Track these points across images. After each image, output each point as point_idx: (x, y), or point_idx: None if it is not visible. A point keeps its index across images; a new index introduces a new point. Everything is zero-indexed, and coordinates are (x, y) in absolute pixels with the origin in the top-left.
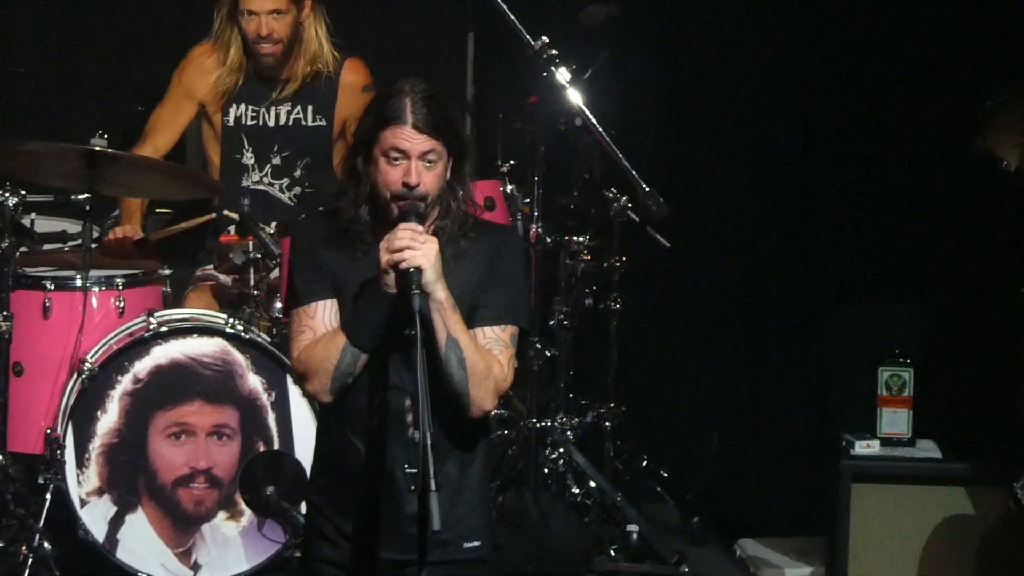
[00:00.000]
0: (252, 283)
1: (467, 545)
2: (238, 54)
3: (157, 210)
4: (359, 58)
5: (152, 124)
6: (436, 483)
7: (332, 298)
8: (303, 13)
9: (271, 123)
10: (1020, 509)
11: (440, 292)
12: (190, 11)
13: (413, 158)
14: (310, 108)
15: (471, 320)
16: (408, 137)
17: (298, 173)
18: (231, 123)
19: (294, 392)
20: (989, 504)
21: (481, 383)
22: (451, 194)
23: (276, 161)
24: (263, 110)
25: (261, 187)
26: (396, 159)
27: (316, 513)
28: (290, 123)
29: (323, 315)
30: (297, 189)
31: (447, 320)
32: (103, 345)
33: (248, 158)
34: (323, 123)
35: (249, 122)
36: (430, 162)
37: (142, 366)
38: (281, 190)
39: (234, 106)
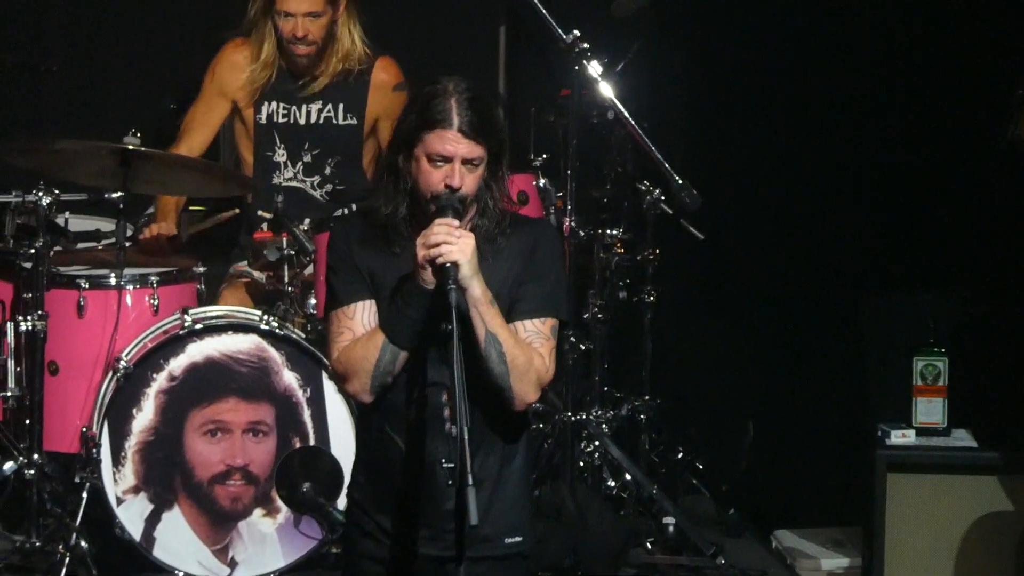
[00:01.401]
0: (286, 279)
1: (508, 540)
2: (271, 50)
3: (191, 207)
4: (390, 57)
5: (187, 123)
6: (475, 478)
7: (371, 299)
8: (338, 12)
9: (302, 121)
10: None
11: (477, 287)
12: (222, 7)
13: (457, 162)
14: (341, 106)
15: (510, 315)
16: (454, 142)
17: (328, 171)
18: (263, 120)
19: (329, 388)
20: None
21: (523, 376)
22: (488, 192)
23: (307, 159)
24: (294, 108)
25: (293, 184)
26: (439, 163)
27: (357, 509)
28: (321, 121)
29: (362, 315)
30: (328, 187)
31: (484, 315)
32: (138, 343)
33: (280, 155)
34: (354, 121)
35: (280, 119)
36: (473, 165)
37: (177, 364)
38: (313, 187)
39: (266, 103)
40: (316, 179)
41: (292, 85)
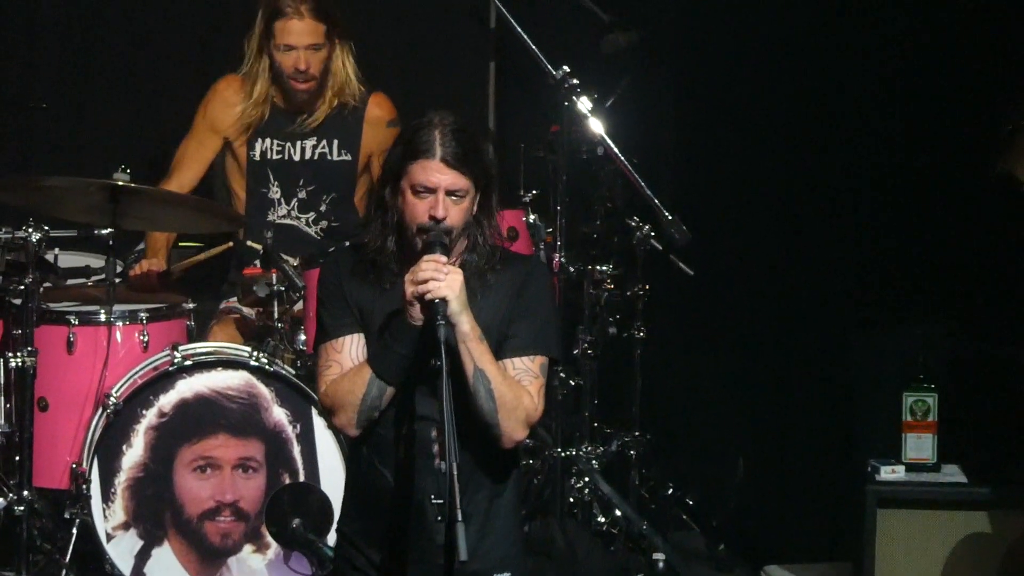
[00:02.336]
0: (276, 316)
1: None
2: (265, 87)
3: (180, 243)
4: (384, 93)
5: (178, 159)
6: (464, 513)
7: (359, 332)
8: (333, 47)
9: (296, 157)
10: None
11: (465, 323)
12: (211, 46)
13: (440, 192)
14: (336, 142)
15: (500, 351)
16: (437, 171)
17: (323, 208)
18: (256, 157)
19: (319, 424)
20: (1014, 526)
21: (511, 414)
22: (478, 227)
23: (302, 195)
24: (288, 144)
25: (287, 221)
26: (423, 193)
27: (347, 544)
28: (315, 157)
29: (350, 349)
30: (323, 223)
31: (473, 351)
32: (128, 379)
33: (274, 192)
34: (348, 157)
35: (275, 156)
36: (458, 196)
37: (167, 400)
38: (307, 224)
39: (259, 140)
40: (311, 216)
41: (286, 122)
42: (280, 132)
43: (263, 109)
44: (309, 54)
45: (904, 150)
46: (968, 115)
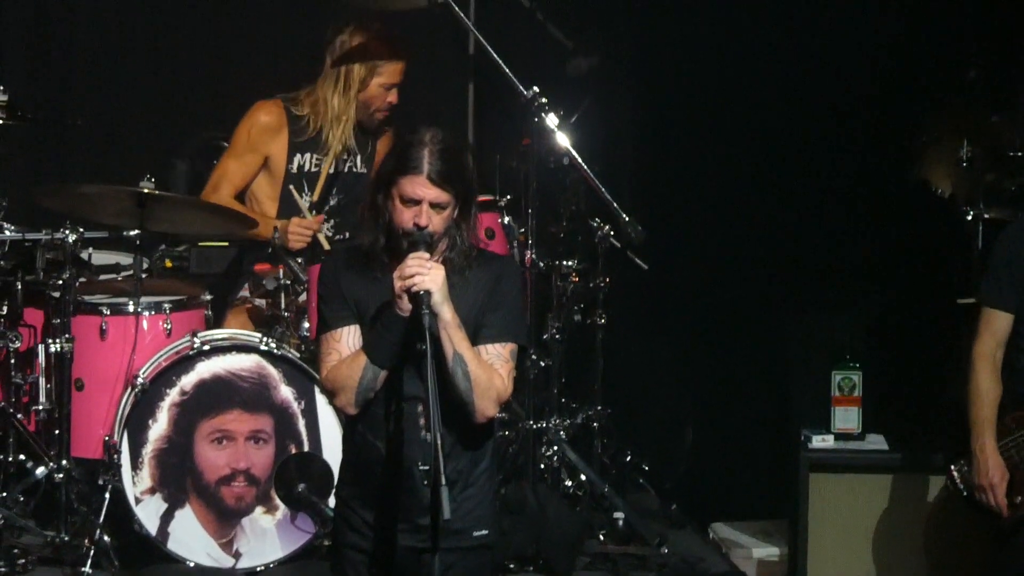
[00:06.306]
0: (283, 306)
1: (476, 533)
2: (351, 111)
3: (200, 243)
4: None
5: (219, 176)
6: (447, 478)
7: (355, 324)
8: None
9: (332, 170)
10: (956, 488)
11: (447, 312)
12: (224, 72)
13: (425, 204)
14: (358, 158)
15: (476, 339)
16: (422, 187)
17: (336, 208)
18: (294, 170)
19: (321, 400)
20: (930, 487)
21: (484, 393)
22: (458, 230)
23: (332, 203)
24: (324, 158)
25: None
26: (410, 203)
27: (344, 506)
28: (344, 170)
29: (348, 339)
30: (332, 222)
31: (453, 337)
32: (153, 362)
33: (304, 202)
34: (365, 171)
35: (313, 168)
36: (440, 208)
37: (188, 380)
38: (331, 229)
39: (298, 155)
40: (333, 221)
41: (321, 139)
42: (319, 147)
43: (346, 129)
44: (396, 89)
45: (832, 162)
46: (889, 127)
